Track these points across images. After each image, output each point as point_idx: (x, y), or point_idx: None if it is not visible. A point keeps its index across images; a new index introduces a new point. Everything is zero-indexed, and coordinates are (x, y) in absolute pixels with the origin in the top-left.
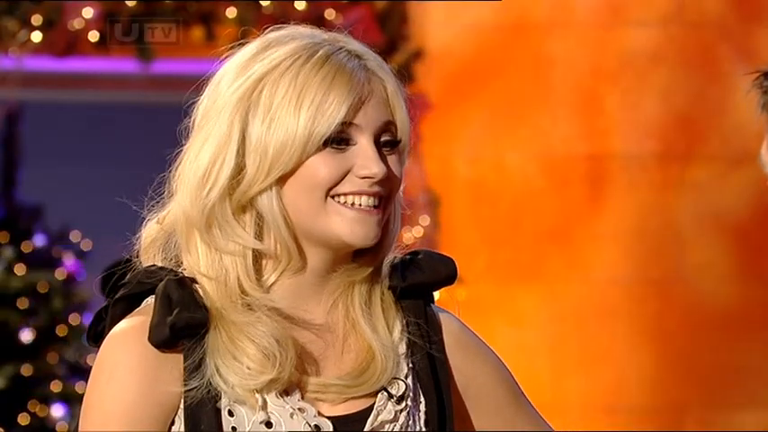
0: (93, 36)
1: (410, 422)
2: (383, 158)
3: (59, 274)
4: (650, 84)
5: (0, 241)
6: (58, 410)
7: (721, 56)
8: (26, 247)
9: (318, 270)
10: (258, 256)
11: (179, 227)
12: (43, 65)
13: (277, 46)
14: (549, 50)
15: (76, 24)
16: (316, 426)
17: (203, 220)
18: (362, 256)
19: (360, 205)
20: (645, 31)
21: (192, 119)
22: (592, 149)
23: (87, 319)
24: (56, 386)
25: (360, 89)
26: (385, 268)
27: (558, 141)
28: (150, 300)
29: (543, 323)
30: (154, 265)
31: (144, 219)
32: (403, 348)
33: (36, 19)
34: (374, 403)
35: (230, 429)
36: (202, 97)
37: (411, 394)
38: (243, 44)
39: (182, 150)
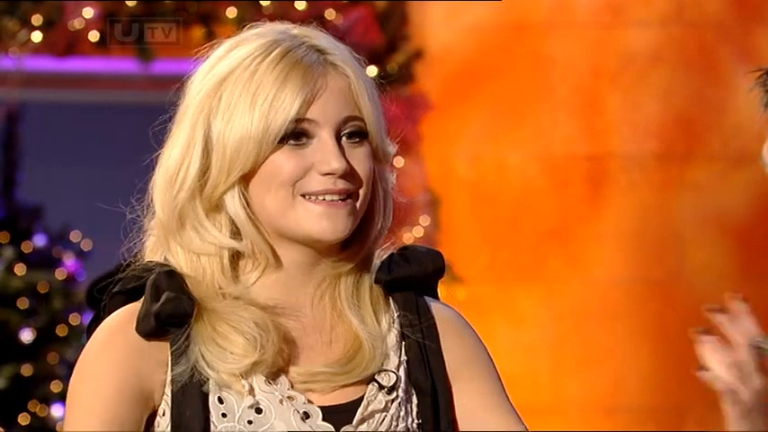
0: (94, 36)
1: (402, 413)
2: (346, 152)
3: (59, 275)
4: (650, 84)
5: (0, 241)
6: (58, 410)
7: (722, 56)
8: (26, 248)
9: (300, 264)
10: (237, 255)
11: (157, 229)
12: (43, 65)
13: (241, 45)
14: (550, 51)
15: (77, 24)
16: (305, 413)
17: (175, 222)
18: (348, 248)
19: (325, 200)
20: (645, 31)
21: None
22: (592, 150)
23: (87, 319)
24: (56, 386)
25: (314, 84)
26: (375, 263)
27: (558, 141)
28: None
29: (543, 323)
30: (151, 262)
31: (144, 219)
32: (393, 340)
33: (36, 19)
34: (365, 393)
35: (220, 416)
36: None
37: (402, 385)
38: (215, 45)
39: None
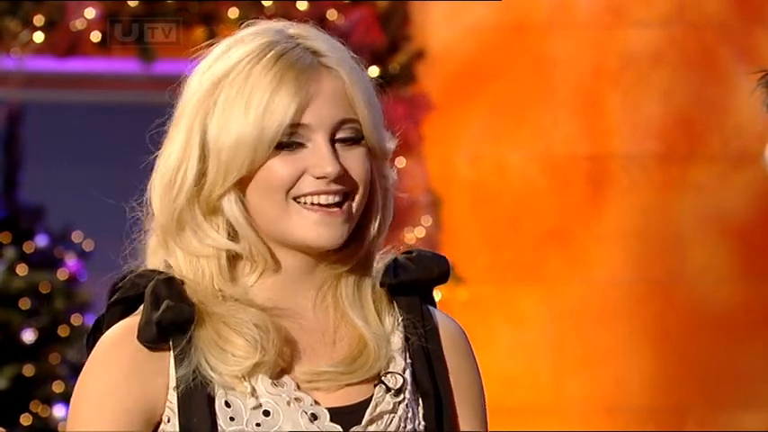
0: (95, 36)
1: (409, 414)
2: (340, 155)
3: (61, 275)
4: (651, 84)
5: (2, 242)
6: (59, 411)
7: (722, 56)
8: (28, 248)
9: (299, 267)
10: (236, 258)
11: (157, 231)
12: (45, 65)
13: (237, 45)
14: (550, 51)
15: (78, 25)
16: (312, 414)
17: (174, 224)
18: (346, 248)
19: (321, 204)
20: (646, 31)
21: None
22: (593, 150)
23: (89, 320)
24: (58, 386)
25: (308, 88)
26: (379, 265)
27: (558, 142)
28: None
29: (544, 323)
30: (146, 269)
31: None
32: (398, 343)
33: (38, 19)
34: (372, 395)
35: (228, 419)
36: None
37: (409, 387)
38: (214, 44)
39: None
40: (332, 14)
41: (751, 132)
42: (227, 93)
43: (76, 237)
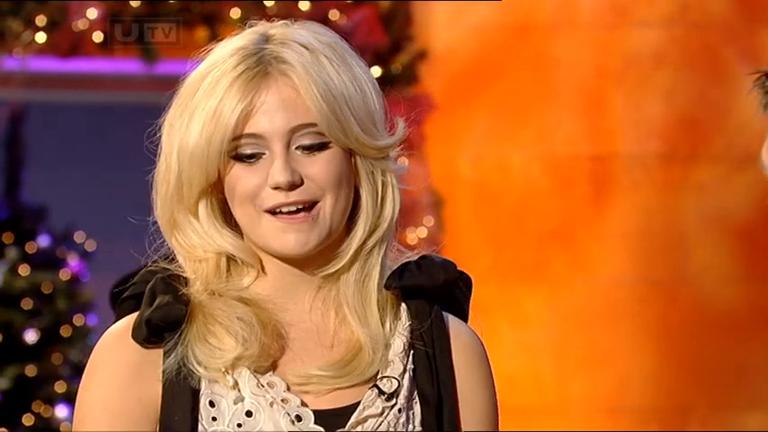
0: (98, 37)
1: (401, 420)
2: (301, 163)
3: (63, 275)
4: (654, 84)
5: (4, 242)
6: (62, 411)
7: (725, 57)
8: (30, 248)
9: (286, 270)
10: (230, 259)
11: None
12: (47, 65)
13: (213, 51)
14: (553, 51)
15: (80, 25)
16: (297, 416)
17: (169, 227)
18: (336, 248)
19: (283, 212)
20: (649, 31)
21: None
22: (595, 150)
23: (91, 320)
24: (60, 387)
25: (252, 98)
26: (386, 269)
27: (561, 142)
28: None
29: (547, 323)
30: (157, 264)
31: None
32: (399, 348)
33: (40, 19)
34: (363, 398)
35: (210, 419)
36: None
37: (406, 393)
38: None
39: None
40: (334, 15)
41: (754, 132)
42: (189, 101)
43: (79, 237)
